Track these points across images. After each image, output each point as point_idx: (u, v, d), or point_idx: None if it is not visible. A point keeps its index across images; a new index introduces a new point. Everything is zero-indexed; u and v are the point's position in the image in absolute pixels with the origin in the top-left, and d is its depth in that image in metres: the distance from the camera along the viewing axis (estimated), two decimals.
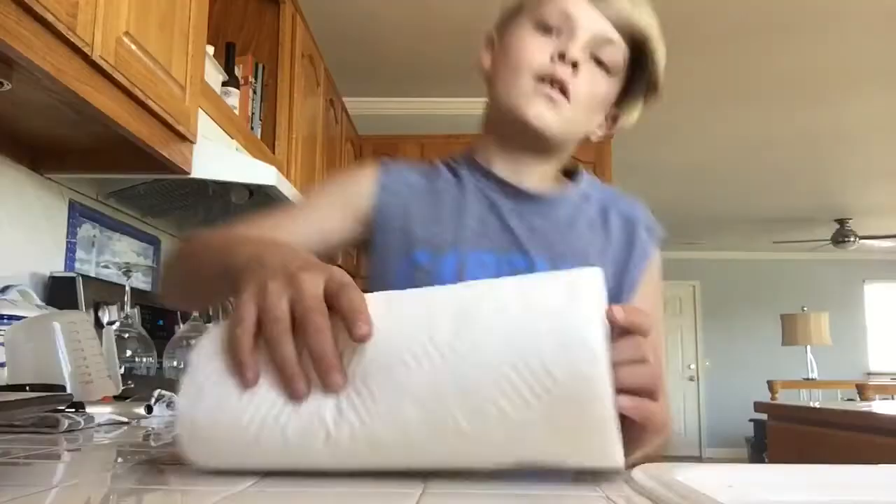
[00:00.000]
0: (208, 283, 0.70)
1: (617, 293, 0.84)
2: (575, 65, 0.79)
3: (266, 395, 0.49)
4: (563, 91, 0.79)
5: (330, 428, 0.49)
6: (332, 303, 0.49)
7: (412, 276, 0.81)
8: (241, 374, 0.49)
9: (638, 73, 0.85)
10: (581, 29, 0.80)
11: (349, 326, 0.48)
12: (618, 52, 0.82)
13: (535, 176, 0.88)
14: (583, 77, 0.80)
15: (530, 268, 0.82)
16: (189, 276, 0.76)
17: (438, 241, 0.83)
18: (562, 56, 0.79)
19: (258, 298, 0.50)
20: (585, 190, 0.91)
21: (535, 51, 0.80)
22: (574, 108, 0.80)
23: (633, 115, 0.90)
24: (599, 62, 0.81)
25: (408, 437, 0.49)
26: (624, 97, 0.87)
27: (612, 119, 0.89)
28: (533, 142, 0.83)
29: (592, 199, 0.91)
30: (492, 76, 0.86)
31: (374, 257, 0.88)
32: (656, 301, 0.90)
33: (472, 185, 0.87)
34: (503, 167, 0.87)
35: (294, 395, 0.49)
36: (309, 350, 0.48)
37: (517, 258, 0.83)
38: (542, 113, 0.79)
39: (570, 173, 0.93)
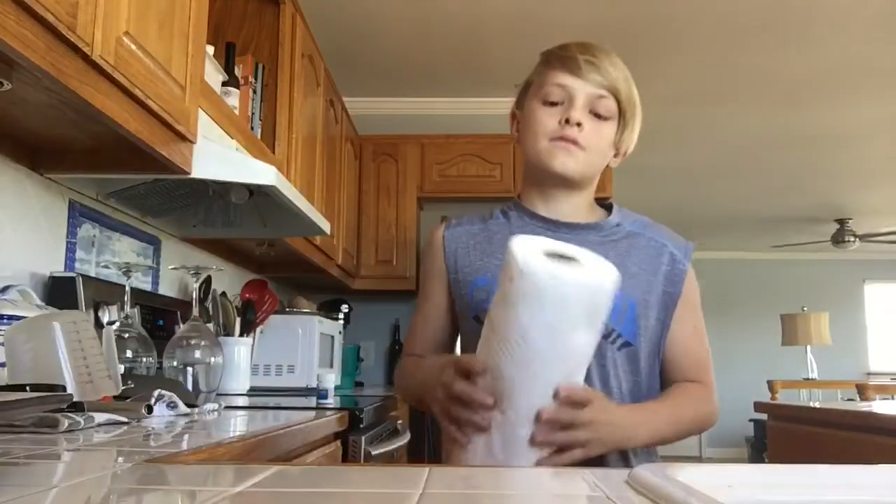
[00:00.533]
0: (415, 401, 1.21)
1: (650, 307, 1.10)
2: (579, 124, 1.06)
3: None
4: (576, 144, 1.06)
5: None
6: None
7: (475, 297, 1.10)
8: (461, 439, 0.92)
9: (625, 113, 1.12)
10: (577, 96, 1.07)
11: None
12: (608, 103, 1.08)
13: (569, 208, 1.14)
14: (587, 130, 1.07)
15: None
16: (410, 394, 1.23)
17: (493, 267, 1.08)
18: (567, 121, 1.06)
19: (439, 409, 0.96)
20: (617, 220, 1.16)
21: (546, 121, 1.08)
22: (588, 153, 1.08)
23: (633, 141, 1.15)
24: (597, 115, 1.08)
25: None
26: (622, 131, 1.13)
27: (619, 149, 1.15)
28: (562, 182, 1.11)
29: (623, 226, 1.16)
30: (521, 142, 1.15)
31: (453, 290, 1.17)
32: (697, 305, 1.19)
33: (518, 223, 1.14)
34: (542, 206, 1.15)
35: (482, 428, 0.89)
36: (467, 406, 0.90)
37: None
38: (564, 162, 1.07)
39: (608, 207, 1.19)
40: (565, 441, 0.88)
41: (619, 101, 1.08)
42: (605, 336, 1.03)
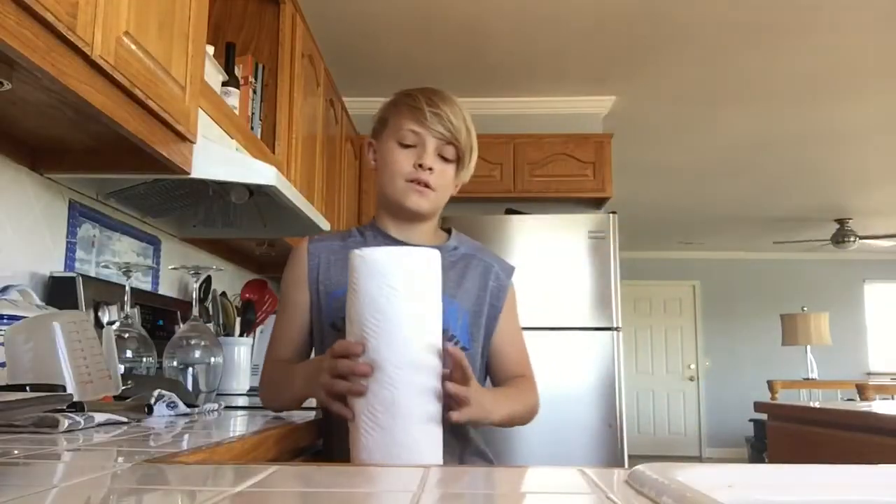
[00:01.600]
0: (288, 402, 1.33)
1: (480, 316, 1.30)
2: (430, 168, 1.23)
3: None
4: (428, 186, 1.24)
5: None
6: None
7: (333, 307, 1.26)
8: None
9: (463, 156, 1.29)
10: (428, 143, 1.24)
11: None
12: (452, 149, 1.26)
13: (417, 233, 1.33)
14: (437, 173, 1.25)
15: None
16: (274, 399, 1.34)
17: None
18: (420, 165, 1.23)
19: (325, 392, 1.05)
20: (455, 243, 1.36)
21: (402, 162, 1.24)
22: (436, 192, 1.26)
23: (469, 176, 1.33)
24: (444, 158, 1.25)
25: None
26: (461, 170, 1.31)
27: (457, 183, 1.33)
28: (412, 216, 1.30)
29: (460, 249, 1.36)
30: (377, 175, 1.31)
31: (311, 302, 1.31)
32: (516, 314, 1.38)
33: (373, 242, 1.29)
34: (394, 229, 1.33)
35: (361, 392, 0.99)
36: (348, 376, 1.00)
37: None
38: (417, 201, 1.25)
39: (448, 230, 1.39)
40: (464, 395, 1.01)
41: (458, 148, 1.25)
42: (448, 339, 1.21)
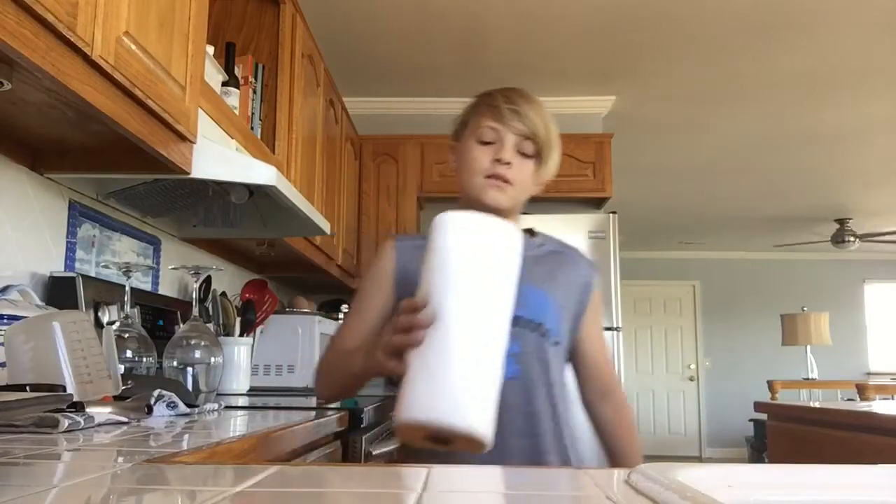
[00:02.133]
0: (349, 384, 1.23)
1: (569, 311, 1.28)
2: (508, 163, 1.22)
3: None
4: (506, 181, 1.22)
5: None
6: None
7: None
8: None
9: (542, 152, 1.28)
10: (506, 138, 1.23)
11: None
12: (531, 145, 1.24)
13: None
14: (515, 168, 1.23)
15: None
16: (328, 384, 1.28)
17: None
18: (499, 160, 1.22)
19: (383, 350, 0.99)
20: (540, 240, 1.35)
21: (481, 159, 1.23)
22: (515, 188, 1.24)
23: (551, 173, 1.30)
24: (523, 154, 1.24)
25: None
26: (540, 167, 1.28)
27: (539, 180, 1.30)
28: (491, 212, 1.22)
29: (547, 245, 1.35)
30: (458, 175, 1.30)
31: (399, 301, 1.23)
32: (600, 317, 1.37)
33: None
34: None
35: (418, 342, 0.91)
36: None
37: None
38: (494, 196, 1.23)
39: (530, 231, 1.37)
40: None
41: (537, 143, 1.24)
42: (542, 334, 1.22)
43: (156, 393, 1.26)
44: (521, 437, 1.18)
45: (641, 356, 8.58)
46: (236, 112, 2.07)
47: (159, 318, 1.98)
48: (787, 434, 2.46)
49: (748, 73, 3.81)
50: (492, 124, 1.24)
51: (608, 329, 3.44)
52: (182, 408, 1.29)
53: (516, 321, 1.17)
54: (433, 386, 0.87)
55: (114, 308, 1.67)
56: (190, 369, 1.45)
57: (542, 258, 1.31)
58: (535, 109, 1.25)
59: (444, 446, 0.88)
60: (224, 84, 2.07)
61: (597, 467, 0.62)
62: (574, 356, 1.33)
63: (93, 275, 1.78)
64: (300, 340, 2.65)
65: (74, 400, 1.07)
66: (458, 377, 0.87)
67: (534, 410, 1.20)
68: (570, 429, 1.28)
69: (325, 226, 2.34)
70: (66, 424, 0.97)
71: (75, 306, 1.58)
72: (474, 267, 0.94)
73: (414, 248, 1.25)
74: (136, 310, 1.76)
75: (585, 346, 1.33)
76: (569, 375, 1.32)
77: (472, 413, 0.86)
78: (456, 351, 0.89)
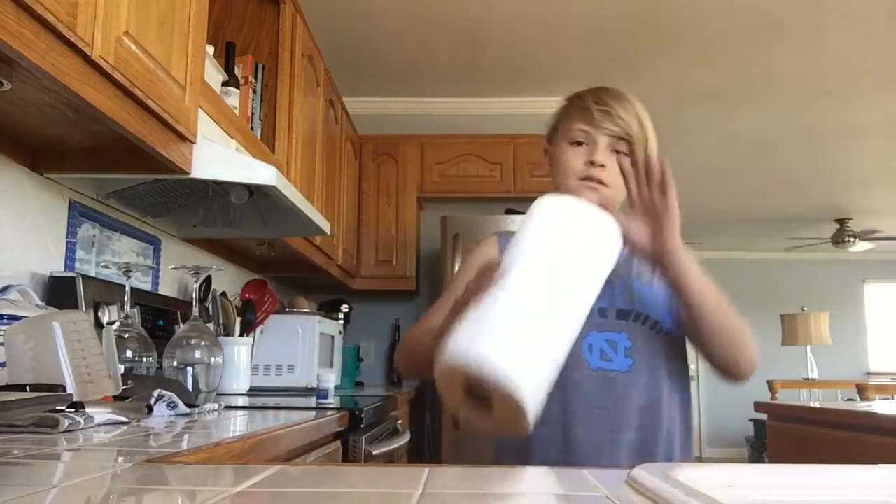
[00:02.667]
0: (425, 355, 1.08)
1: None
2: (602, 165, 1.19)
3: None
4: (601, 182, 1.20)
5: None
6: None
7: None
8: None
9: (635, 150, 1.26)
10: (599, 140, 1.21)
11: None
12: (625, 144, 1.22)
13: None
14: (609, 169, 1.20)
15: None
16: (414, 360, 1.22)
17: None
18: (592, 162, 1.20)
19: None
20: None
21: (574, 161, 1.22)
22: (610, 189, 1.21)
23: None
24: (617, 151, 1.21)
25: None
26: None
27: None
28: None
29: None
30: (552, 176, 1.28)
31: None
32: None
33: None
34: None
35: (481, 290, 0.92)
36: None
37: None
38: (590, 198, 1.13)
39: None
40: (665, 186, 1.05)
41: (630, 143, 1.22)
42: (652, 327, 1.19)
43: (156, 393, 1.26)
44: (634, 431, 1.16)
45: None
46: (236, 112, 2.07)
47: (159, 318, 1.98)
48: (787, 434, 2.46)
49: (748, 74, 3.81)
50: (583, 126, 1.22)
51: None
52: (182, 408, 1.29)
53: (625, 314, 1.20)
54: (479, 325, 0.84)
55: (114, 308, 1.67)
56: (190, 369, 1.45)
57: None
58: (626, 108, 1.23)
59: (482, 410, 0.83)
60: (224, 84, 2.07)
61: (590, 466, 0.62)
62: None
63: (93, 275, 1.78)
64: (300, 340, 2.65)
65: (74, 400, 1.07)
66: (506, 322, 0.84)
67: (647, 404, 1.17)
68: (686, 422, 1.26)
69: (325, 226, 2.34)
70: (66, 424, 0.97)
71: (75, 306, 1.58)
72: (552, 242, 0.94)
73: None
74: (136, 310, 1.75)
75: None
76: (690, 365, 1.28)
77: (511, 361, 0.79)
78: (508, 305, 0.86)
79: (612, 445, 1.14)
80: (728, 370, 1.21)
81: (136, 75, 1.24)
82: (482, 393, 0.81)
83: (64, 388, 1.07)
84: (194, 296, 1.61)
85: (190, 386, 1.44)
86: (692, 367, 1.34)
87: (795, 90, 4.02)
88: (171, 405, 1.28)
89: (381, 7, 3.15)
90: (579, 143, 1.23)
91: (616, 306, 1.19)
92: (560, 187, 1.24)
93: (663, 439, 1.18)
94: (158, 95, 1.32)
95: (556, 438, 1.15)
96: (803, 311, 6.71)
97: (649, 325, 1.20)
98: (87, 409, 1.07)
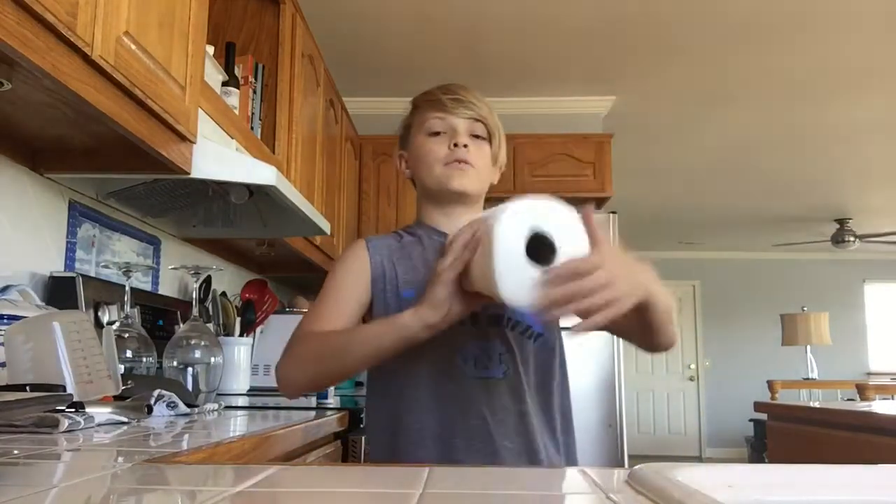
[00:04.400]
0: (352, 366, 1.14)
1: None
2: (466, 145, 1.20)
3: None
4: (467, 163, 1.21)
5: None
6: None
7: (403, 307, 1.09)
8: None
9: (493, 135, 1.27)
10: (459, 125, 1.22)
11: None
12: (482, 126, 1.24)
13: (466, 220, 1.20)
14: (473, 150, 1.22)
15: None
16: (323, 370, 1.15)
17: (417, 281, 1.17)
18: (455, 144, 1.21)
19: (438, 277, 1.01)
20: None
21: (436, 149, 1.22)
22: (477, 170, 1.23)
23: (505, 157, 1.30)
24: (476, 136, 1.23)
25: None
26: (494, 149, 1.28)
27: (496, 163, 1.29)
28: (460, 199, 1.25)
29: None
30: (414, 174, 1.28)
31: (375, 300, 1.21)
32: None
33: (427, 241, 1.25)
34: (445, 223, 1.25)
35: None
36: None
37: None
38: (460, 181, 1.21)
39: None
40: (585, 307, 0.87)
41: (487, 126, 1.24)
42: (522, 332, 1.17)
43: (156, 393, 1.26)
44: (515, 438, 1.13)
45: (641, 356, 8.56)
46: (236, 112, 2.07)
47: (159, 318, 1.98)
48: (787, 434, 2.46)
49: (748, 74, 3.81)
50: (438, 115, 1.22)
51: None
52: (182, 408, 1.29)
53: (497, 321, 1.16)
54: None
55: (114, 308, 1.67)
56: (190, 369, 1.46)
57: None
58: (475, 96, 1.25)
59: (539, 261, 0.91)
60: (224, 84, 2.07)
61: (590, 466, 0.62)
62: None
63: (93, 275, 1.78)
64: None
65: (74, 400, 1.07)
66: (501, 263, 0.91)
67: (525, 410, 1.14)
68: (566, 425, 1.23)
69: (325, 226, 2.34)
70: (66, 424, 0.97)
71: (75, 306, 1.58)
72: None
73: (389, 249, 1.24)
74: (136, 310, 1.75)
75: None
76: (566, 368, 1.25)
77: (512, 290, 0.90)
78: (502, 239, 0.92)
79: (492, 456, 1.10)
80: (659, 349, 1.16)
81: (136, 75, 1.24)
82: (548, 242, 0.92)
83: (64, 388, 1.07)
84: (194, 296, 1.61)
85: (190, 386, 1.44)
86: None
87: (795, 90, 4.02)
88: (171, 405, 1.28)
89: (381, 7, 3.16)
90: (437, 134, 1.22)
91: (488, 312, 1.15)
92: (427, 179, 1.23)
93: (544, 444, 1.16)
94: (158, 95, 1.32)
95: (434, 453, 1.10)
96: (803, 311, 6.71)
97: (519, 331, 1.17)
98: (87, 409, 1.07)
